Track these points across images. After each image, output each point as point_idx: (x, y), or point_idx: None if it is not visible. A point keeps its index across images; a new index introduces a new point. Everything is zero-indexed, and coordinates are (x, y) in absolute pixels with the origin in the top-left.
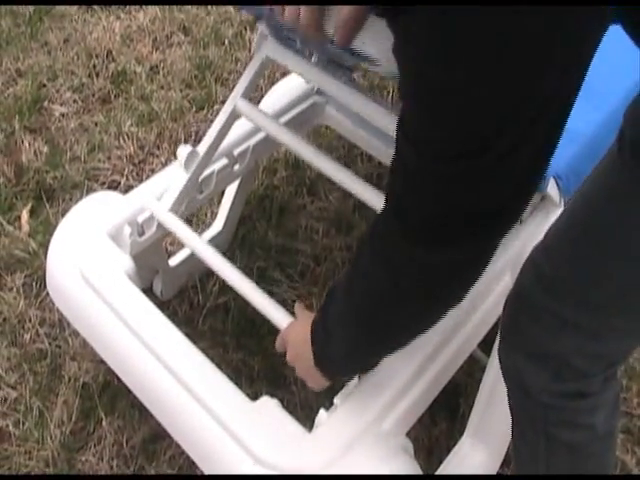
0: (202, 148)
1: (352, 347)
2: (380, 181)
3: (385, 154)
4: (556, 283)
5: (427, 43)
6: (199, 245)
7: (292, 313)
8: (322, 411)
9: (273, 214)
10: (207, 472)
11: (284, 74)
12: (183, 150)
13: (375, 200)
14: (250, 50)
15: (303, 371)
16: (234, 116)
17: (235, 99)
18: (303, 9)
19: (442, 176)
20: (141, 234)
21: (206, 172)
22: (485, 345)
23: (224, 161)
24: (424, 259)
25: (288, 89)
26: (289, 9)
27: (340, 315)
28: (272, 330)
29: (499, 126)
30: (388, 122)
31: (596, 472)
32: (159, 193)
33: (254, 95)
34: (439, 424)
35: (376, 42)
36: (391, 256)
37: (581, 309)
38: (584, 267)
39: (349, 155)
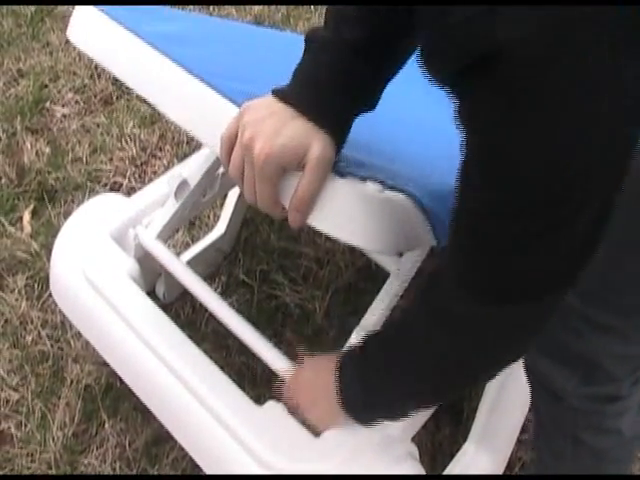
0: (193, 179)
1: (393, 400)
2: None
3: None
4: (584, 285)
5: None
6: (187, 276)
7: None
8: None
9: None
10: None
11: None
12: (174, 179)
13: None
14: None
15: (319, 416)
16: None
17: None
18: (259, 186)
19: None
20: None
21: (210, 176)
22: None
23: None
24: (489, 319)
25: None
26: (247, 187)
27: (383, 371)
28: (276, 333)
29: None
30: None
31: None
32: (163, 196)
33: None
34: (442, 429)
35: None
36: (453, 317)
37: (610, 311)
38: (613, 270)
39: None
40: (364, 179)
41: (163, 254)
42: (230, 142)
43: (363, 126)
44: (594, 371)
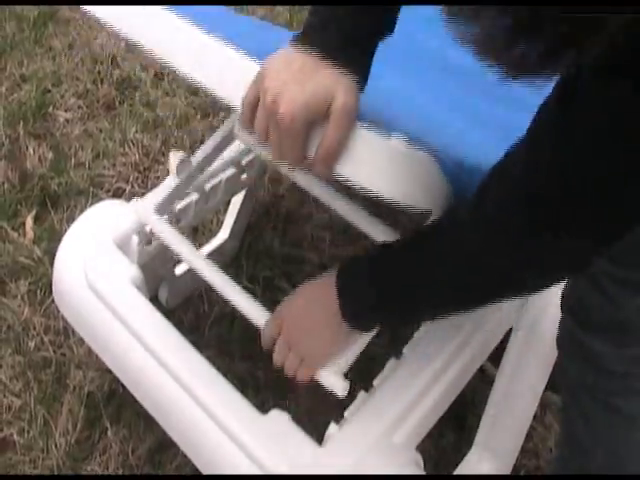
0: (195, 160)
1: (411, 308)
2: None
3: None
4: (616, 252)
5: None
6: (184, 247)
7: None
8: (332, 425)
9: (279, 223)
10: None
11: None
12: (175, 156)
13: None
14: None
15: (317, 345)
16: (230, 137)
17: (233, 121)
18: (285, 141)
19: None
20: (149, 243)
21: (214, 181)
22: (493, 357)
23: (232, 170)
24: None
25: None
26: (273, 146)
27: (410, 274)
28: None
29: None
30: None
31: None
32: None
33: None
34: (446, 436)
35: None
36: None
37: None
38: None
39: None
40: (389, 136)
41: (157, 225)
42: (252, 107)
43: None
44: (628, 333)
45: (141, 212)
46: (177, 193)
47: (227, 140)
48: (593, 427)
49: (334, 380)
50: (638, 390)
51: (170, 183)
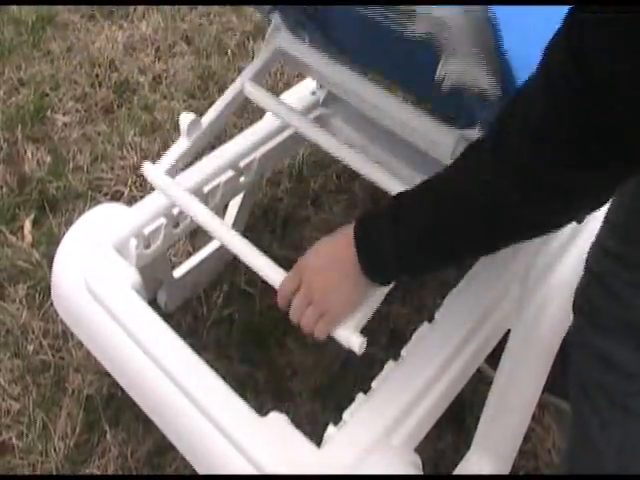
0: (205, 120)
1: (433, 256)
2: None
3: (389, 165)
4: (625, 253)
5: None
6: (197, 209)
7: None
8: (331, 427)
9: (277, 226)
10: None
11: (287, 85)
12: (185, 118)
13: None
14: (253, 60)
15: (336, 301)
16: (240, 97)
17: (243, 80)
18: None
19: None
20: (147, 247)
21: (212, 184)
22: (491, 358)
23: (230, 173)
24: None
25: (293, 100)
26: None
27: (431, 225)
28: (277, 342)
29: None
30: (399, 111)
31: None
32: (165, 206)
33: None
34: (445, 437)
35: None
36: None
37: None
38: None
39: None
40: None
41: (171, 188)
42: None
43: None
44: None
45: (152, 174)
46: (188, 154)
47: (236, 100)
48: (608, 428)
49: (350, 336)
50: None
51: (181, 144)
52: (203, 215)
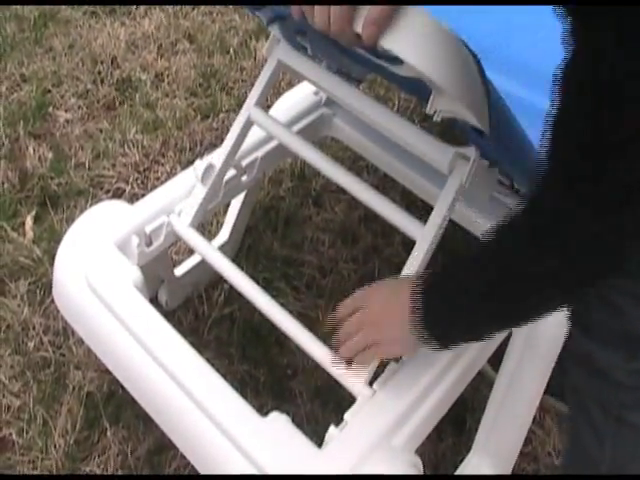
0: (218, 160)
1: (478, 322)
2: (386, 192)
3: (391, 166)
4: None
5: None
6: (223, 263)
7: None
8: (332, 427)
9: (279, 225)
10: None
11: (290, 84)
12: (200, 165)
13: (385, 209)
14: (255, 59)
15: (387, 334)
16: (248, 125)
17: (249, 108)
18: (334, 7)
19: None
20: (149, 244)
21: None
22: (493, 360)
23: (232, 172)
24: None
25: (296, 100)
26: (319, 9)
27: (472, 291)
28: (278, 341)
29: None
30: (397, 128)
31: None
32: (167, 204)
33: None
34: (445, 439)
35: (408, 38)
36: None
37: None
38: None
39: (355, 167)
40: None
41: (197, 241)
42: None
43: None
44: (637, 345)
45: (179, 229)
46: (207, 202)
47: (241, 139)
48: (602, 438)
49: (362, 389)
50: None
51: (198, 193)
52: (233, 273)
